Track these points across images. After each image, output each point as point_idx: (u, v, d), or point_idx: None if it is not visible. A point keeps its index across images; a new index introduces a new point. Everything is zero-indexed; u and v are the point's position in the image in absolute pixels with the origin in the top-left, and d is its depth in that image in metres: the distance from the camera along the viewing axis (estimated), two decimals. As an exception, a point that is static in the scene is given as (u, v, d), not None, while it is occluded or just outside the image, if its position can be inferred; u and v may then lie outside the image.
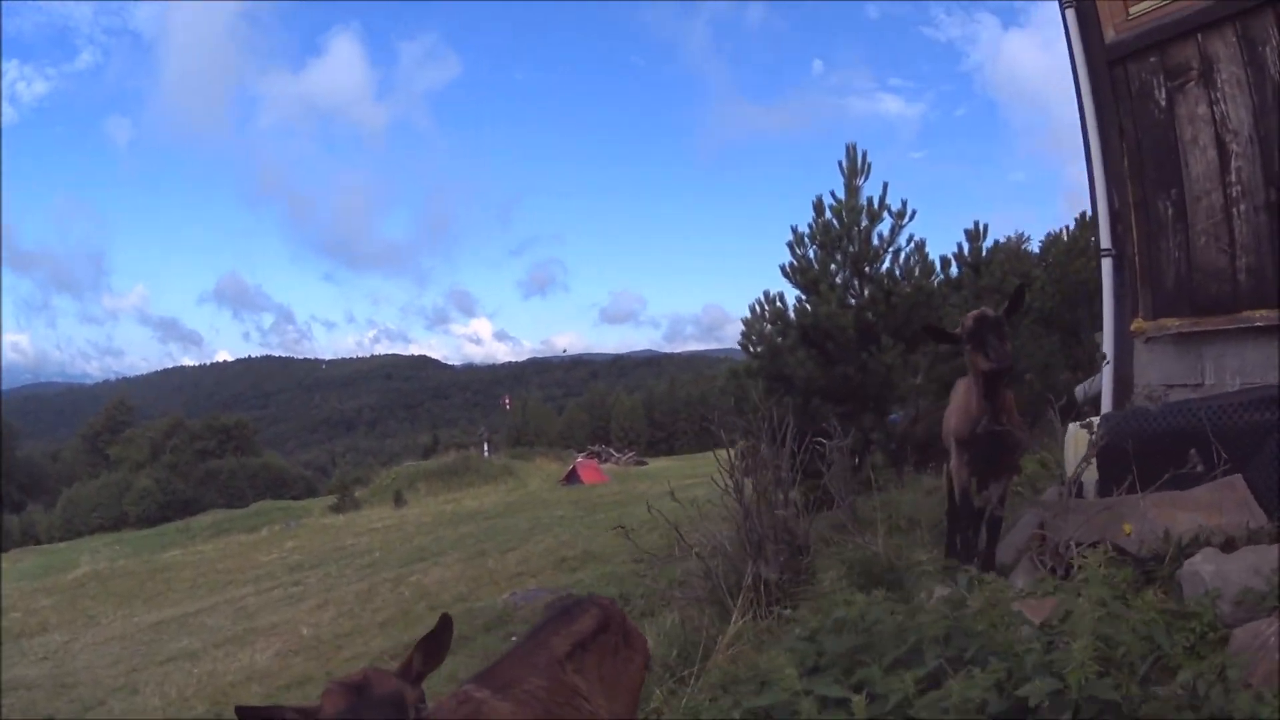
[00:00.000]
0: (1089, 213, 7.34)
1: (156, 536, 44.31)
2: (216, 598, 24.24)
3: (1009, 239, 18.31)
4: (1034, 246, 18.35)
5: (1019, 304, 5.04)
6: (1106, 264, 6.45)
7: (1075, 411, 7.38)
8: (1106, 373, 6.49)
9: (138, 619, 23.56)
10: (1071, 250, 16.49)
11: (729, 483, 6.30)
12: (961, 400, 5.28)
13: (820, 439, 7.09)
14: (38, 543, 52.14)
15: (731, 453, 6.44)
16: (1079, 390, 8.31)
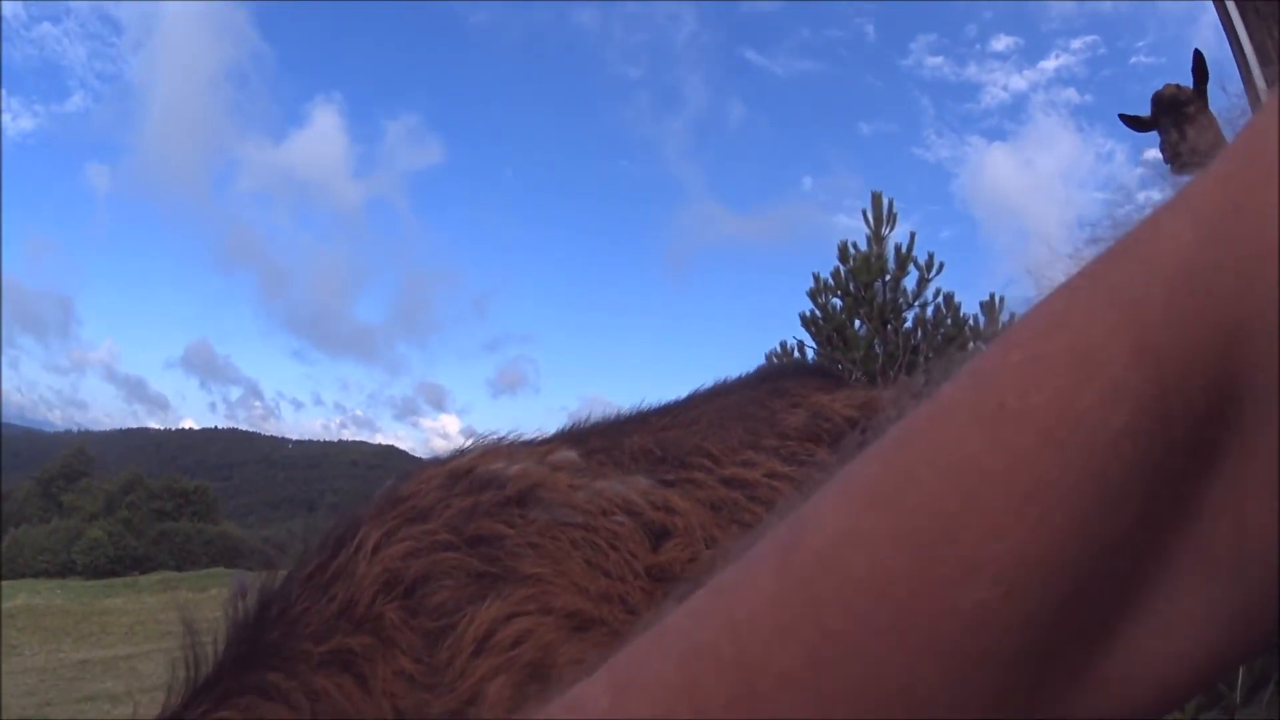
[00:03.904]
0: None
1: (102, 587, 41.57)
2: (152, 645, 22.69)
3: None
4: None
5: (1203, 72, 4.58)
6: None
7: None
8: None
9: (64, 655, 22.36)
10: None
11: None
12: None
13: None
14: (-27, 580, 48.86)
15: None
16: None
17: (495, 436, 1.48)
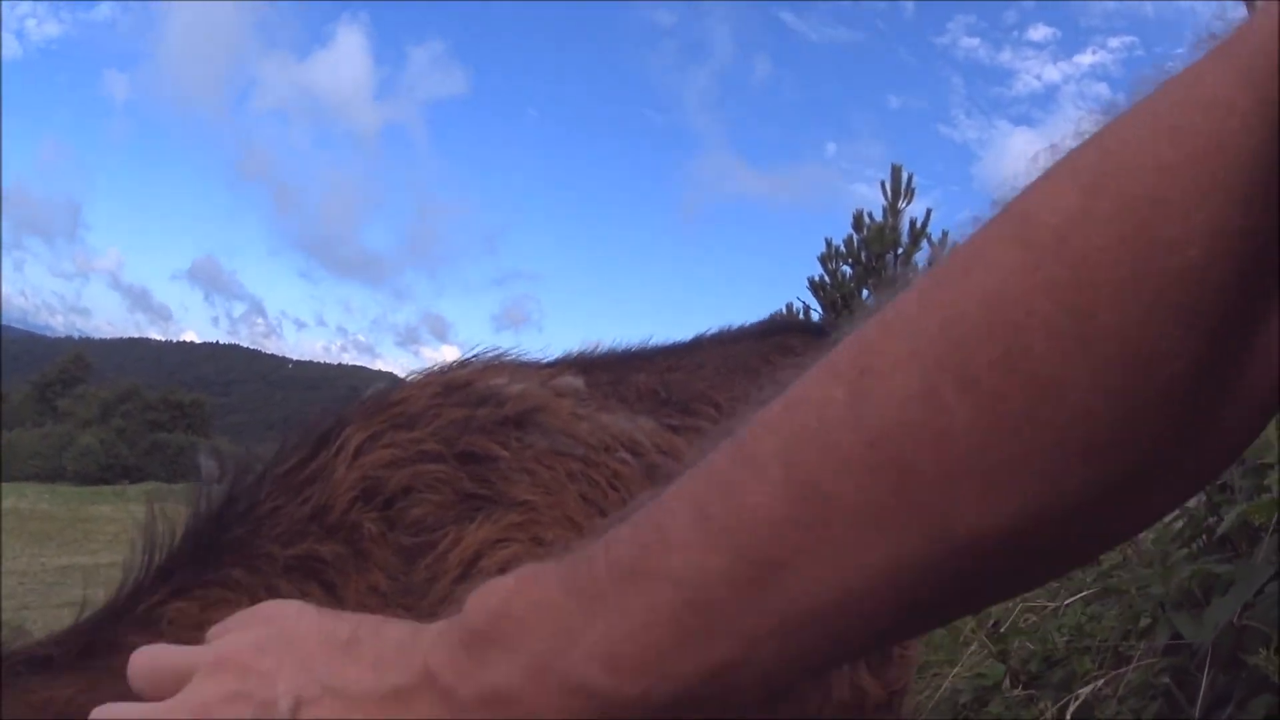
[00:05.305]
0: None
1: (91, 494, 41.77)
2: None
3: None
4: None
5: None
6: None
7: None
8: None
9: (46, 560, 22.99)
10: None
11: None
12: None
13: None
14: (-38, 479, 49.02)
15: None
16: None
17: (497, 352, 1.38)
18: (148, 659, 0.61)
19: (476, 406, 1.18)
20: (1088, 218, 0.41)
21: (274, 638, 0.56)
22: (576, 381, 1.35)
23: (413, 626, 0.56)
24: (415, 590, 1.05)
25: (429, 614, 1.05)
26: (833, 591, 0.43)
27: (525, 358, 1.40)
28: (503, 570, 1.05)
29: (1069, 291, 0.40)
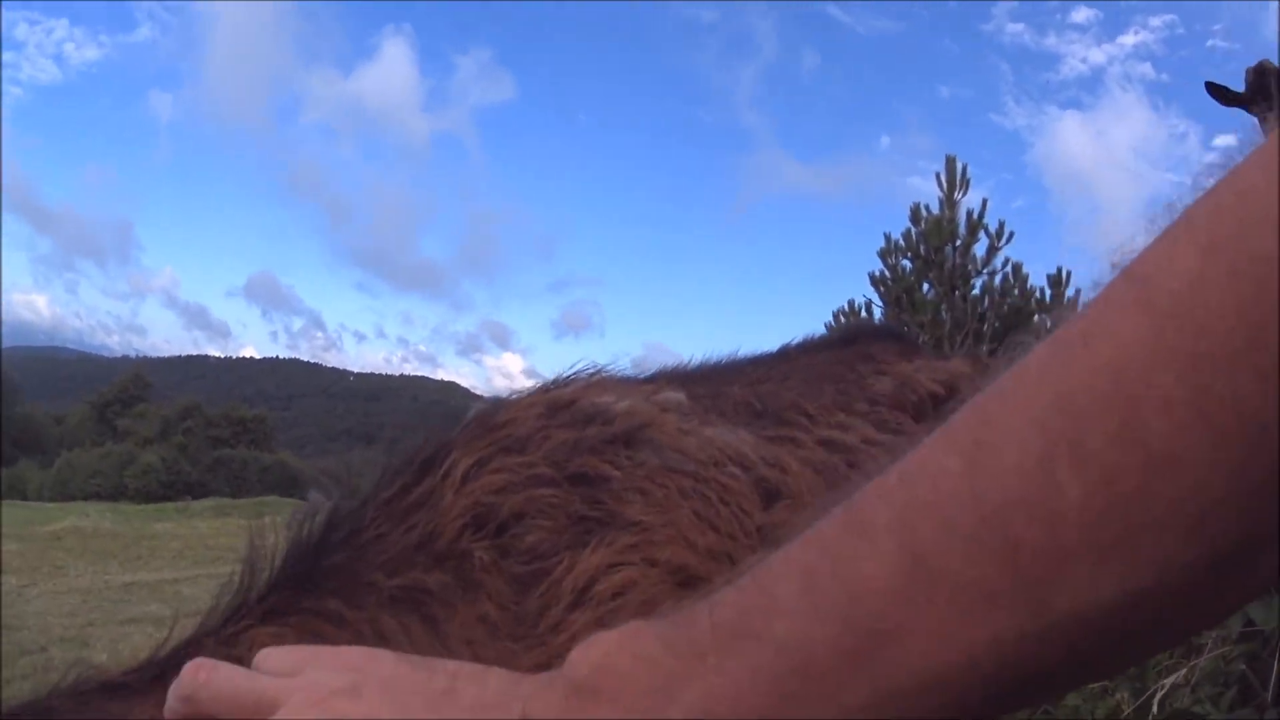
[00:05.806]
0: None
1: (153, 511, 42.40)
2: (200, 570, 22.75)
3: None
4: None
5: None
6: None
7: None
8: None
9: (110, 578, 22.84)
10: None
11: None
12: None
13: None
14: (24, 498, 50.05)
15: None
16: None
17: (595, 369, 1.35)
18: (227, 683, 0.59)
19: (584, 426, 1.15)
20: (1204, 281, 0.39)
21: (368, 682, 0.56)
22: (679, 396, 1.32)
23: (513, 676, 0.56)
24: (527, 619, 1.02)
25: (539, 643, 1.02)
26: (937, 665, 0.43)
27: (622, 373, 1.38)
28: (616, 595, 1.02)
29: (1187, 362, 0.39)
